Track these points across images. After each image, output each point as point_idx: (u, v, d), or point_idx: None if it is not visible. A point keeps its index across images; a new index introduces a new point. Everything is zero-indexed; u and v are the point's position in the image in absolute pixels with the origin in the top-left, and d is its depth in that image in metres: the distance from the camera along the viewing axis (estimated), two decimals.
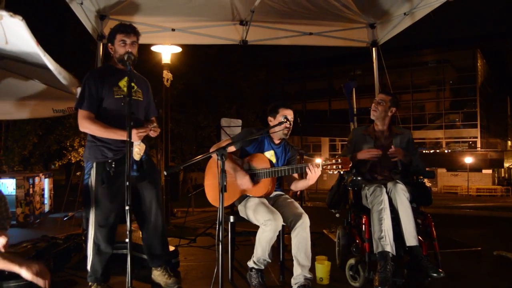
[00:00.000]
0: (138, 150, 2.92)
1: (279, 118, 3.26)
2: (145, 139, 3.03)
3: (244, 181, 3.18)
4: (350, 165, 2.85)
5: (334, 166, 2.83)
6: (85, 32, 4.67)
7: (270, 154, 3.33)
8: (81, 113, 2.94)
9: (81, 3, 4.13)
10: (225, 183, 2.60)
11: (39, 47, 2.86)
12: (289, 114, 3.27)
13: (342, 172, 2.92)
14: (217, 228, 2.53)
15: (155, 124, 3.09)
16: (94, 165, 2.98)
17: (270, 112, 3.33)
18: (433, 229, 3.21)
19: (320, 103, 44.46)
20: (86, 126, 2.93)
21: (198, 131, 17.91)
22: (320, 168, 2.91)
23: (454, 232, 6.54)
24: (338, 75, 41.30)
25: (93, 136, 2.99)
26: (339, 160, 2.83)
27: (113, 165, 2.93)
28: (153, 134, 3.00)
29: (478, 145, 38.35)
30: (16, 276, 2.90)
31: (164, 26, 5.06)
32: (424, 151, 37.24)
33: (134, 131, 2.85)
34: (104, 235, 2.95)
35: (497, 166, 37.42)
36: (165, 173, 3.06)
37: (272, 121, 3.33)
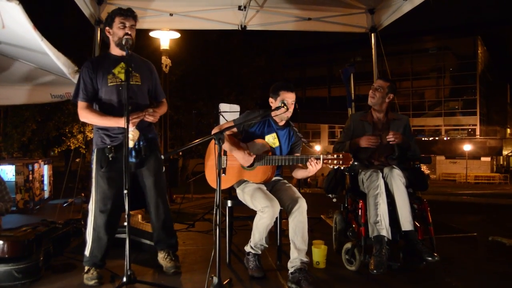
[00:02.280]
0: (131, 137, 2.93)
1: (280, 100, 3.24)
2: (146, 123, 3.04)
3: (246, 159, 3.16)
4: (351, 162, 2.84)
5: (335, 162, 2.84)
6: (84, 17, 4.64)
7: (273, 137, 3.31)
8: (79, 105, 3.00)
9: None
10: (223, 167, 2.62)
11: (37, 31, 2.85)
12: (290, 97, 3.22)
13: (342, 168, 2.91)
14: (214, 212, 2.55)
15: (151, 110, 3.06)
16: (95, 151, 3.04)
17: (272, 93, 3.30)
18: (429, 214, 3.24)
19: (320, 90, 44.36)
20: (85, 116, 3.00)
21: (198, 118, 17.88)
22: (321, 162, 2.91)
23: (451, 218, 6.58)
24: (338, 61, 40.97)
25: (95, 125, 3.07)
26: (340, 155, 2.83)
27: (112, 151, 2.96)
28: (149, 119, 3.00)
29: (477, 132, 38.37)
30: (9, 260, 2.95)
31: (162, 10, 5.02)
32: (423, 139, 37.27)
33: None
34: (104, 221, 2.97)
35: (496, 153, 37.48)
36: (162, 157, 3.05)
37: (273, 102, 3.30)
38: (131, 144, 2.94)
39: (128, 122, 2.65)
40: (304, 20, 5.31)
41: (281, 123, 3.33)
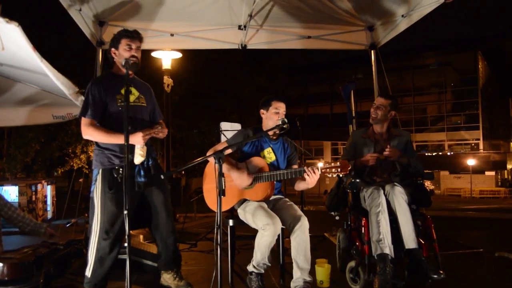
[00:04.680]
0: (141, 153, 2.92)
1: (272, 110, 3.27)
2: (149, 142, 3.04)
3: (243, 179, 3.14)
4: (349, 168, 2.84)
5: (333, 170, 2.83)
6: (86, 38, 4.69)
7: (268, 151, 3.32)
8: (84, 121, 2.96)
9: (80, 10, 4.14)
10: (223, 187, 2.60)
11: (36, 53, 2.87)
12: (282, 106, 3.28)
13: (341, 175, 2.92)
14: (215, 232, 2.52)
15: (160, 127, 3.09)
16: (100, 171, 3.00)
17: (263, 105, 3.34)
18: (433, 230, 3.21)
19: (322, 107, 44.45)
20: (89, 133, 2.96)
21: (200, 137, 17.92)
22: (319, 172, 2.91)
23: (457, 234, 6.51)
24: (339, 79, 41.15)
25: (99, 144, 3.02)
26: (338, 163, 2.83)
27: (121, 171, 2.93)
28: (159, 135, 3.05)
29: (481, 147, 38.23)
30: (9, 282, 2.92)
31: (163, 31, 5.07)
32: (426, 154, 37.16)
33: (139, 134, 2.87)
34: (109, 242, 2.94)
35: (500, 168, 37.28)
36: (162, 176, 3.04)
37: (264, 113, 3.33)
38: (141, 160, 2.93)
39: (127, 141, 2.64)
40: (304, 38, 5.35)
41: (274, 136, 3.34)
